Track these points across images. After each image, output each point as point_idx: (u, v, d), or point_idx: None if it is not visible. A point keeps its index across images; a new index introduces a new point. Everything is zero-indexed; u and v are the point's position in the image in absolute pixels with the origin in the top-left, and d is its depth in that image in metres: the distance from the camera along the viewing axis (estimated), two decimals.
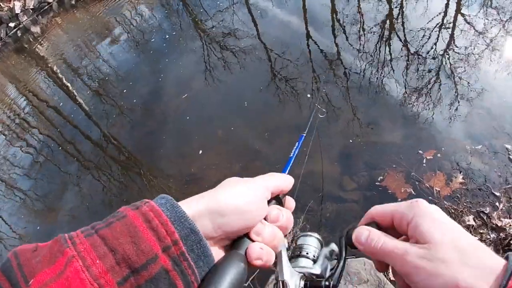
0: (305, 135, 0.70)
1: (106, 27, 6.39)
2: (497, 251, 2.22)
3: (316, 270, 0.45)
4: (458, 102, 2.74)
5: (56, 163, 4.50)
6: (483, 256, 0.34)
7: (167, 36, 5.26)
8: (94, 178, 4.00)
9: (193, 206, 0.35)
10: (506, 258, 0.34)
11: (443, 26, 4.17)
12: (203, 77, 4.22)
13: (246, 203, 0.38)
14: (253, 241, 0.38)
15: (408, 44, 3.91)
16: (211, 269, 0.35)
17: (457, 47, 3.84)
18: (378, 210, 0.43)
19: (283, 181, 0.44)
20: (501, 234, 2.24)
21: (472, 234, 2.14)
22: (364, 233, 0.41)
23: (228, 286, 0.34)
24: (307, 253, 0.47)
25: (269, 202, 0.42)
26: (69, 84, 5.48)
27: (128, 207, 0.34)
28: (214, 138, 3.21)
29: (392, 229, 0.41)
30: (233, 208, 0.36)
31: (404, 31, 4.16)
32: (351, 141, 2.48)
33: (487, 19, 4.21)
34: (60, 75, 5.77)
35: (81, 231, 0.32)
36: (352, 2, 4.56)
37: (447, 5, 4.43)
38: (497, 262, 0.33)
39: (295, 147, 0.63)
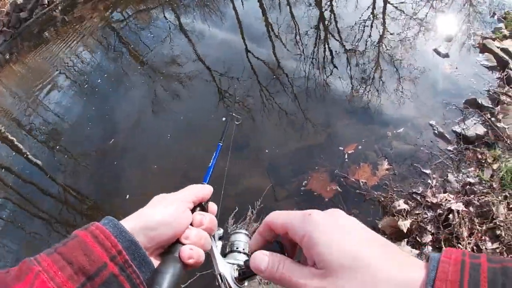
0: (222, 144, 0.73)
1: (46, 76, 6.52)
2: (437, 228, 2.33)
3: (244, 260, 0.54)
4: (382, 90, 2.93)
5: (18, 224, 4.49)
6: (393, 272, 0.30)
7: (112, 77, 5.42)
8: (60, 234, 4.02)
9: (129, 224, 0.44)
10: (427, 260, 0.31)
11: (375, 18, 4.46)
12: (151, 109, 4.36)
13: (170, 215, 0.47)
14: (183, 244, 0.47)
15: (344, 42, 4.16)
16: (153, 272, 0.43)
17: (391, 34, 4.10)
18: (272, 219, 0.41)
19: (202, 190, 0.54)
20: (438, 211, 2.36)
21: (406, 218, 2.25)
22: (263, 260, 0.39)
23: (168, 283, 0.42)
24: (237, 248, 0.56)
25: (194, 209, 0.52)
26: (16, 141, 5.54)
27: (79, 229, 0.43)
28: (152, 173, 3.30)
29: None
30: (160, 221, 0.46)
31: (338, 29, 4.41)
32: (278, 150, 2.61)
33: (415, 2, 4.53)
34: (6, 133, 5.83)
35: (43, 253, 0.40)
36: (283, 11, 4.84)
37: None
38: (413, 273, 0.30)
39: (213, 157, 0.68)
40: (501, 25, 3.97)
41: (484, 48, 3.54)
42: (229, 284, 0.50)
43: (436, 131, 2.60)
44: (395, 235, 2.21)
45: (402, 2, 4.59)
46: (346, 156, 2.37)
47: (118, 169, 3.55)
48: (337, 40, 4.20)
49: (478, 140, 2.80)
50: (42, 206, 4.42)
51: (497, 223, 2.40)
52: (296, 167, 2.43)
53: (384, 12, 4.51)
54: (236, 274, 0.52)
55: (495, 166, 2.81)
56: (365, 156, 2.34)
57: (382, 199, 2.19)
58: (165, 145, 3.51)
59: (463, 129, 2.73)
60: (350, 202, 2.22)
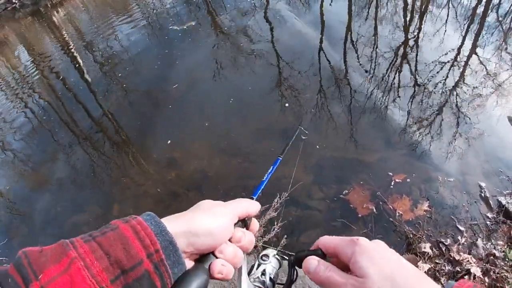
0: (281, 158, 0.71)
1: (125, 7, 6.81)
2: None
3: (270, 285, 0.57)
4: (444, 135, 3.00)
5: (51, 130, 4.83)
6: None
7: (185, 27, 5.63)
8: (84, 151, 4.31)
9: (172, 225, 0.45)
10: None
11: (455, 63, 4.45)
12: (211, 72, 4.55)
13: (216, 227, 0.48)
14: (217, 257, 0.48)
15: (417, 75, 4.19)
16: (179, 277, 0.44)
17: (466, 85, 4.10)
18: (325, 241, 0.51)
19: (250, 207, 0.54)
20: (457, 268, 2.46)
21: (426, 262, 2.37)
22: (313, 263, 0.49)
23: None
24: (264, 270, 0.59)
25: (236, 224, 0.52)
26: (78, 56, 5.86)
27: (119, 220, 0.44)
28: (202, 130, 3.50)
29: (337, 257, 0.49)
30: (205, 230, 0.47)
31: (416, 61, 4.43)
32: (331, 153, 2.75)
33: (499, 63, 4.48)
34: (71, 46, 6.17)
35: (80, 238, 0.41)
36: (369, 23, 4.87)
37: (462, 43, 4.71)
38: None
39: (269, 171, 0.65)
40: None
41: None
42: None
43: (482, 194, 2.67)
44: None
45: (487, 59, 4.55)
46: (392, 183, 2.49)
47: (171, 113, 3.76)
48: (411, 71, 4.24)
49: None
50: (80, 123, 4.73)
51: None
52: (341, 175, 2.57)
53: (467, 61, 4.49)
54: None
55: None
56: (409, 190, 2.45)
57: (411, 235, 2.31)
58: (224, 109, 3.68)
59: (508, 202, 2.79)
60: (380, 227, 2.35)
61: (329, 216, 2.41)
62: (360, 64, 4.33)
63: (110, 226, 0.43)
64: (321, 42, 4.74)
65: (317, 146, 2.85)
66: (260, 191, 0.60)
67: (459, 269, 2.47)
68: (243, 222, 0.54)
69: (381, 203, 2.39)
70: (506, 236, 2.81)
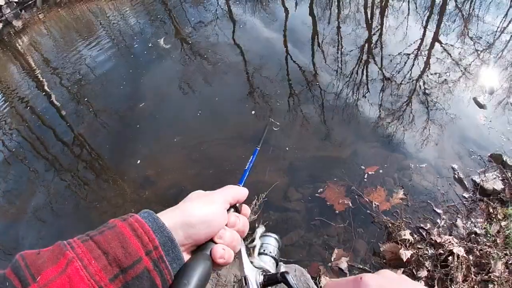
0: (259, 148, 0.74)
1: (90, 29, 6.79)
2: (434, 266, 2.45)
3: (272, 268, 0.59)
4: (413, 124, 3.07)
5: (23, 160, 4.71)
6: None
7: (150, 44, 5.64)
8: (60, 178, 4.21)
9: (168, 220, 0.45)
10: None
11: (420, 53, 4.59)
12: (183, 85, 4.54)
13: (211, 214, 0.49)
14: (216, 243, 0.49)
15: (384, 69, 4.30)
16: (182, 266, 0.44)
17: (432, 73, 4.23)
18: (331, 286, 0.49)
19: (239, 192, 0.57)
20: (439, 250, 2.49)
21: (408, 249, 2.38)
22: None
23: (197, 280, 0.43)
24: (264, 250, 0.61)
25: (228, 210, 0.54)
26: (45, 82, 5.78)
27: (117, 219, 0.44)
28: (172, 145, 3.47)
29: None
30: (201, 219, 0.47)
31: (382, 55, 4.56)
32: (303, 154, 2.77)
33: (462, 48, 4.66)
34: (37, 72, 6.08)
35: (77, 238, 0.41)
36: (332, 24, 5.00)
37: (425, 33, 4.88)
38: None
39: (249, 160, 0.69)
40: None
41: None
42: (252, 287, 0.53)
43: (456, 176, 2.73)
44: (394, 262, 2.35)
45: (451, 45, 4.72)
46: (365, 176, 2.52)
47: (138, 133, 3.73)
48: (377, 66, 4.35)
49: (494, 194, 2.93)
50: (51, 150, 4.63)
51: (492, 277, 2.52)
52: (315, 174, 2.59)
53: (430, 50, 4.65)
54: (261, 279, 0.55)
55: (503, 223, 2.93)
56: (383, 181, 2.48)
57: (390, 225, 2.32)
58: (193, 122, 3.68)
59: (482, 180, 2.86)
60: (358, 220, 2.36)
61: (308, 216, 2.41)
62: (328, 64, 4.42)
63: (107, 225, 0.43)
64: (286, 46, 4.83)
65: (287, 148, 2.87)
66: (245, 179, 0.64)
67: (441, 251, 2.50)
68: (235, 208, 0.56)
69: (356, 197, 2.41)
70: (485, 213, 2.87)
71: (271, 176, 2.55)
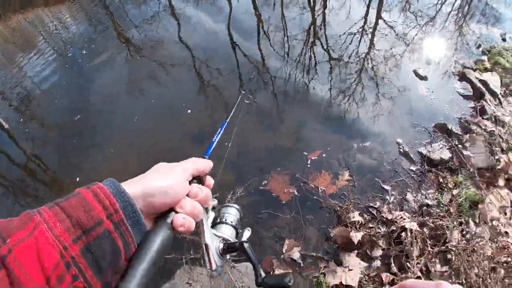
0: (227, 121, 0.76)
1: (29, 41, 6.35)
2: (388, 244, 2.42)
3: (231, 237, 0.62)
4: (354, 103, 3.02)
5: None
6: None
7: (93, 46, 5.32)
8: (18, 204, 3.89)
9: (129, 188, 0.48)
10: None
11: (365, 31, 4.59)
12: (124, 90, 4.29)
13: (169, 184, 0.51)
14: (177, 212, 0.52)
15: (329, 50, 4.25)
16: (144, 234, 0.48)
17: (374, 51, 4.23)
18: (411, 285, 0.51)
19: (203, 164, 0.59)
20: (391, 228, 2.45)
21: (359, 231, 2.33)
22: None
23: (158, 247, 0.47)
24: (225, 220, 0.63)
25: (191, 181, 0.57)
26: None
27: (82, 188, 0.46)
28: (110, 157, 3.25)
29: None
30: (160, 190, 0.50)
31: (326, 37, 4.51)
32: (246, 147, 2.64)
33: (406, 23, 4.70)
34: None
35: (45, 205, 0.44)
36: (276, 10, 4.90)
37: (368, 11, 4.89)
38: None
39: (217, 133, 0.71)
40: (485, 57, 4.19)
41: (463, 77, 3.72)
42: (212, 255, 0.56)
43: (401, 150, 2.70)
44: (346, 246, 2.28)
45: (394, 21, 4.75)
46: (309, 162, 2.43)
47: (75, 149, 3.48)
48: (323, 48, 4.30)
49: (442, 164, 2.94)
50: (7, 175, 4.27)
51: (449, 247, 2.52)
52: (259, 166, 2.47)
53: (374, 27, 4.65)
54: (221, 246, 0.58)
55: (454, 192, 2.95)
56: (327, 164, 2.40)
57: (338, 208, 2.25)
58: (129, 129, 3.46)
59: (428, 151, 2.86)
60: (306, 208, 2.27)
61: (255, 210, 2.29)
62: (276, 50, 4.32)
63: (73, 193, 0.46)
64: (232, 37, 4.68)
65: (226, 143, 2.71)
66: (211, 151, 0.67)
67: (394, 228, 2.46)
68: (199, 179, 0.59)
69: (301, 184, 2.32)
70: (435, 183, 2.86)
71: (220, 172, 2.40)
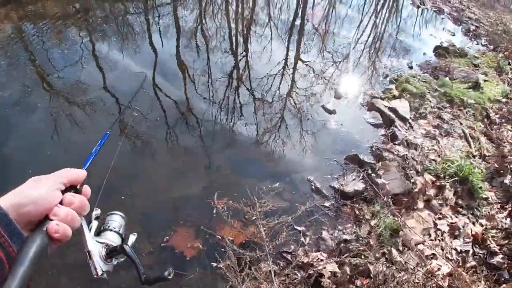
0: (109, 133, 0.74)
1: None
2: None
3: (116, 243, 0.63)
4: (263, 144, 3.02)
5: None
6: None
7: (10, 92, 4.92)
8: None
9: (2, 201, 0.51)
10: None
11: (285, 72, 4.79)
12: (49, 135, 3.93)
13: (39, 194, 0.54)
14: (51, 220, 0.53)
15: (254, 91, 4.33)
16: (22, 242, 0.49)
17: (299, 88, 4.39)
18: None
19: (75, 174, 0.61)
20: (309, 271, 2.35)
21: (274, 279, 2.19)
22: None
23: (34, 252, 0.48)
24: (109, 227, 0.65)
25: (67, 190, 0.58)
26: None
27: None
28: None
29: None
30: (30, 200, 0.53)
31: (250, 78, 4.61)
32: (153, 198, 2.47)
33: (322, 62, 5.01)
34: None
35: None
36: (201, 55, 4.98)
37: (287, 53, 5.16)
38: None
39: (97, 144, 0.70)
40: (392, 86, 4.53)
41: (371, 107, 3.95)
42: (96, 261, 0.58)
43: (313, 187, 2.70)
44: None
45: (313, 61, 5.05)
46: (215, 211, 2.31)
47: None
48: (244, 89, 4.38)
49: (357, 196, 2.97)
50: None
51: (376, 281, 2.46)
52: (162, 219, 2.29)
53: (294, 68, 4.89)
54: (104, 252, 0.60)
55: (373, 223, 2.96)
56: (234, 212, 2.29)
57: (249, 259, 2.11)
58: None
59: (341, 184, 2.88)
60: (214, 261, 2.11)
61: (161, 271, 2.06)
62: (199, 94, 4.30)
63: None
64: (156, 83, 4.61)
65: (129, 193, 2.51)
66: (89, 162, 0.67)
67: (311, 272, 2.36)
68: (75, 189, 0.61)
69: (207, 236, 2.17)
70: (352, 216, 2.86)
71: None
